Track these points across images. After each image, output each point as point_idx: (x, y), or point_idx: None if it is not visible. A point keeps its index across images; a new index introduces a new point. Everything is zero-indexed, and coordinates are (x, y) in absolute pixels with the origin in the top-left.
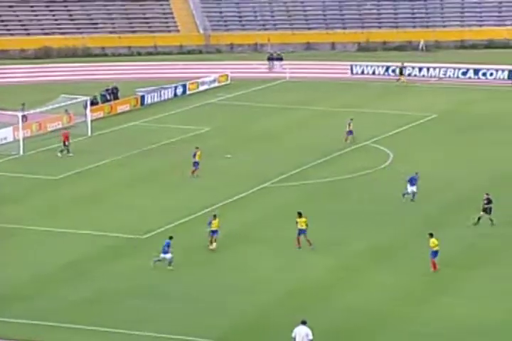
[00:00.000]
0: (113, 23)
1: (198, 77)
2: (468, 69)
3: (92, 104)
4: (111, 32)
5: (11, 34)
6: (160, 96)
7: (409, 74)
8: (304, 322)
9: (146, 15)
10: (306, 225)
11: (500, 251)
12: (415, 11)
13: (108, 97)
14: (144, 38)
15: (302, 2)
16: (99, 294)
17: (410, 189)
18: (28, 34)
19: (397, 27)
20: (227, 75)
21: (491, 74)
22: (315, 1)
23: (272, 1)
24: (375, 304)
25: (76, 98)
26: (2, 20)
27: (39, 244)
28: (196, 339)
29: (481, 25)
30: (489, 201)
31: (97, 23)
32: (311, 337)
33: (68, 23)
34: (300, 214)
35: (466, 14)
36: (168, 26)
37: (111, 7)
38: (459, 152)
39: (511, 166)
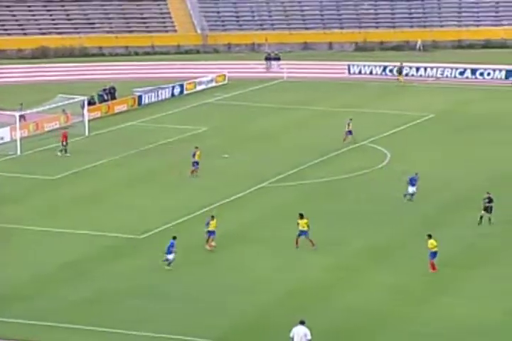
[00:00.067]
0: (110, 23)
1: (196, 77)
2: (465, 69)
3: (90, 103)
4: (108, 32)
5: (8, 34)
6: (157, 96)
7: (406, 74)
8: (302, 322)
9: (144, 15)
10: (308, 226)
11: (499, 251)
12: (412, 10)
13: (105, 97)
14: (141, 37)
15: (299, 2)
16: (98, 294)
17: (411, 189)
18: (25, 34)
19: (394, 27)
20: (224, 75)
21: (488, 74)
22: (312, 1)
23: (269, 1)
24: (374, 304)
25: (73, 98)
26: None
27: (37, 244)
28: (195, 339)
29: (478, 25)
30: (490, 200)
31: (94, 23)
32: (309, 337)
33: (65, 22)
34: (301, 216)
35: (464, 14)
36: (165, 26)
37: (108, 7)
38: (456, 152)
39: (509, 166)
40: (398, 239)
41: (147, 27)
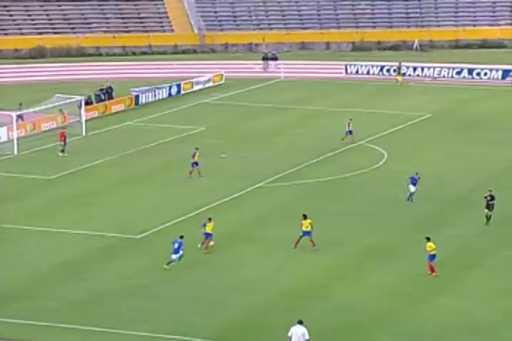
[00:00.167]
0: (107, 23)
1: (193, 77)
2: (462, 69)
3: (87, 103)
4: (105, 31)
5: (5, 34)
6: (154, 95)
7: (403, 74)
8: (300, 322)
9: (141, 15)
10: (312, 227)
11: (496, 251)
12: (409, 10)
13: (102, 97)
14: (138, 37)
15: (297, 2)
16: (95, 294)
17: (413, 189)
18: (22, 34)
19: (391, 27)
20: (221, 75)
21: (485, 73)
22: (309, 1)
23: (266, 1)
24: (372, 304)
25: (70, 98)
26: None
27: (34, 243)
28: (193, 339)
29: (475, 25)
30: (492, 197)
31: (91, 23)
32: (307, 336)
33: (62, 22)
34: (305, 216)
35: (460, 14)
36: (162, 26)
37: (105, 7)
38: (453, 151)
39: (506, 166)
40: (396, 239)
41: (144, 27)
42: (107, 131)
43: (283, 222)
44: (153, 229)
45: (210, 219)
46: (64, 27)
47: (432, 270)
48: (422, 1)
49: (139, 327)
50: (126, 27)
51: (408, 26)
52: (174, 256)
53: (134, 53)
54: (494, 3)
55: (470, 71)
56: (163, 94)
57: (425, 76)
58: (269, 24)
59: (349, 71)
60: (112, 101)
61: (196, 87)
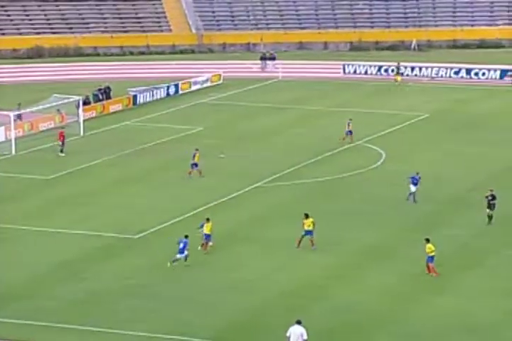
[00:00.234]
0: (105, 23)
1: (191, 77)
2: (460, 69)
3: (85, 103)
4: (103, 31)
5: (3, 33)
6: (152, 95)
7: (401, 74)
8: (298, 322)
9: (139, 15)
10: (314, 226)
11: (496, 250)
12: (407, 10)
13: (100, 97)
14: (136, 37)
15: (295, 1)
16: (93, 294)
17: (413, 188)
18: (20, 33)
19: (389, 26)
20: (219, 75)
21: (483, 73)
22: (307, 1)
23: (264, 1)
24: (370, 304)
25: (68, 98)
26: None
27: (32, 243)
28: (191, 339)
29: (472, 25)
30: (493, 197)
31: (89, 23)
32: (305, 336)
33: (60, 22)
34: (307, 215)
35: (458, 14)
36: (160, 26)
37: (103, 7)
38: (451, 151)
39: (504, 166)
40: (394, 238)
41: (142, 27)
42: (105, 131)
43: (281, 221)
44: (151, 229)
45: (208, 220)
46: (62, 27)
47: (433, 271)
48: (420, 0)
49: (137, 327)
50: (124, 27)
51: (406, 26)
52: (179, 256)
53: (131, 53)
54: (492, 3)
55: (468, 71)
56: (161, 94)
57: (423, 76)
58: (267, 24)
59: (347, 71)
60: (109, 101)
61: (194, 87)
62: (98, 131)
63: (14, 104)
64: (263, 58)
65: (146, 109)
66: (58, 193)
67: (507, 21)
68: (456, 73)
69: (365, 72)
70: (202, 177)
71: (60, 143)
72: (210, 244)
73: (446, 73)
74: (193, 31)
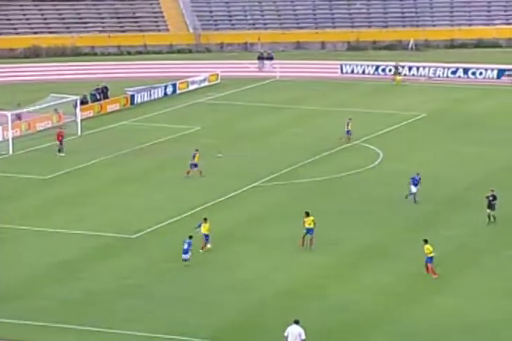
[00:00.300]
0: (103, 23)
1: (188, 77)
2: (457, 69)
3: (82, 103)
4: (100, 31)
5: (0, 33)
6: (150, 95)
7: (399, 74)
8: (296, 322)
9: (136, 15)
10: (314, 224)
11: (493, 250)
12: (405, 10)
13: (98, 96)
14: (133, 37)
15: (292, 1)
16: (91, 294)
17: (414, 189)
18: (17, 33)
19: (386, 26)
20: (217, 74)
21: (481, 73)
22: (305, 1)
23: (261, 1)
24: (368, 303)
25: (66, 97)
26: None
27: (30, 243)
28: (190, 339)
29: (470, 25)
30: (494, 197)
31: (86, 23)
32: (303, 336)
33: (57, 22)
34: (307, 214)
35: (456, 14)
36: (157, 25)
37: (100, 6)
38: (448, 151)
39: (501, 165)
40: (391, 238)
41: (139, 26)
42: (103, 130)
43: (278, 221)
44: (148, 228)
45: (205, 220)
46: (59, 26)
47: (432, 272)
48: (418, 0)
49: (134, 327)
50: (121, 26)
51: (403, 26)
52: (185, 256)
53: (129, 53)
54: (489, 2)
55: (465, 70)
56: (158, 93)
57: (420, 75)
58: (265, 24)
59: (344, 71)
60: (107, 100)
61: (191, 87)
62: (95, 130)
63: (11, 103)
64: (260, 58)
65: (144, 108)
66: (56, 193)
67: (504, 21)
68: (454, 73)
69: (363, 72)
70: (201, 177)
71: (58, 142)
72: (208, 246)
73: (443, 73)
74: (191, 31)
